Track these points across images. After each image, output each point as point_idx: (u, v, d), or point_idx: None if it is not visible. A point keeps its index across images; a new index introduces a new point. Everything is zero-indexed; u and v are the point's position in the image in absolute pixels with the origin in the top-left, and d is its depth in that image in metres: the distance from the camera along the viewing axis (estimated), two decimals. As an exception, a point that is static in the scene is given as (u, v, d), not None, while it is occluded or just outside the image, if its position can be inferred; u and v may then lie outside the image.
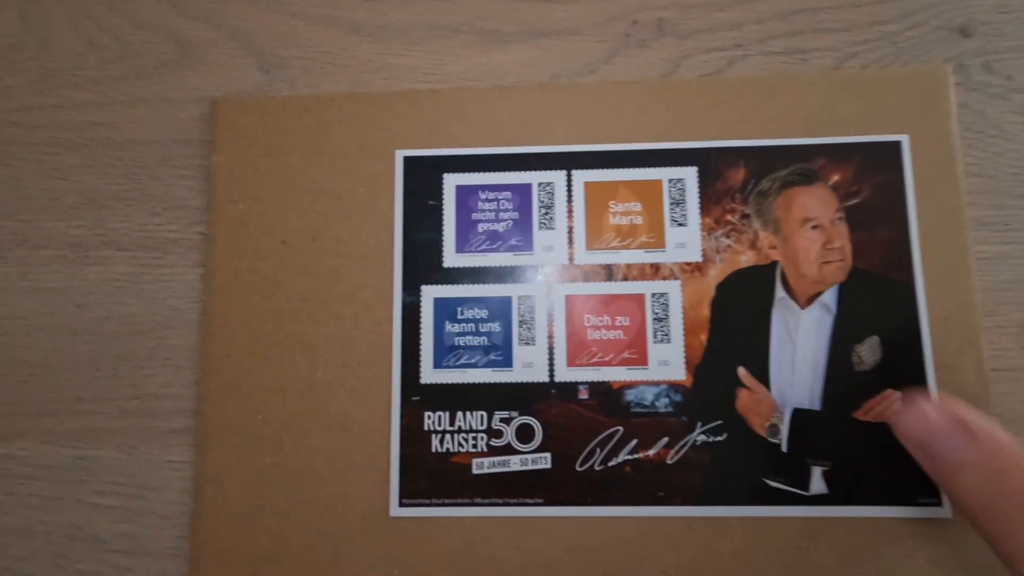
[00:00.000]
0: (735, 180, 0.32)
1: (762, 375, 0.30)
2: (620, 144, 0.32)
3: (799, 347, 0.30)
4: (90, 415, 0.32)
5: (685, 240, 0.32)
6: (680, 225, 0.32)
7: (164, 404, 0.32)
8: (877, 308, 0.30)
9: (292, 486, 0.30)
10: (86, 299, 0.33)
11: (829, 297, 0.30)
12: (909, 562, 0.28)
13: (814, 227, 0.31)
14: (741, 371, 0.30)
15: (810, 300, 0.31)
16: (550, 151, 0.32)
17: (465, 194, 0.32)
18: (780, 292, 0.31)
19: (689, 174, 0.32)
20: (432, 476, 0.29)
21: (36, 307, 0.33)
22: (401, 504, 0.29)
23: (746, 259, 0.31)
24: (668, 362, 0.30)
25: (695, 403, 0.30)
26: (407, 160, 0.32)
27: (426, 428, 0.30)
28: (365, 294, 0.31)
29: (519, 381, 0.30)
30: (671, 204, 0.32)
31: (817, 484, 0.29)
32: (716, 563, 0.29)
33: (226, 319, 0.31)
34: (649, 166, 0.32)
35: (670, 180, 0.32)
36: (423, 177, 0.32)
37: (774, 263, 0.31)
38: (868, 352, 0.30)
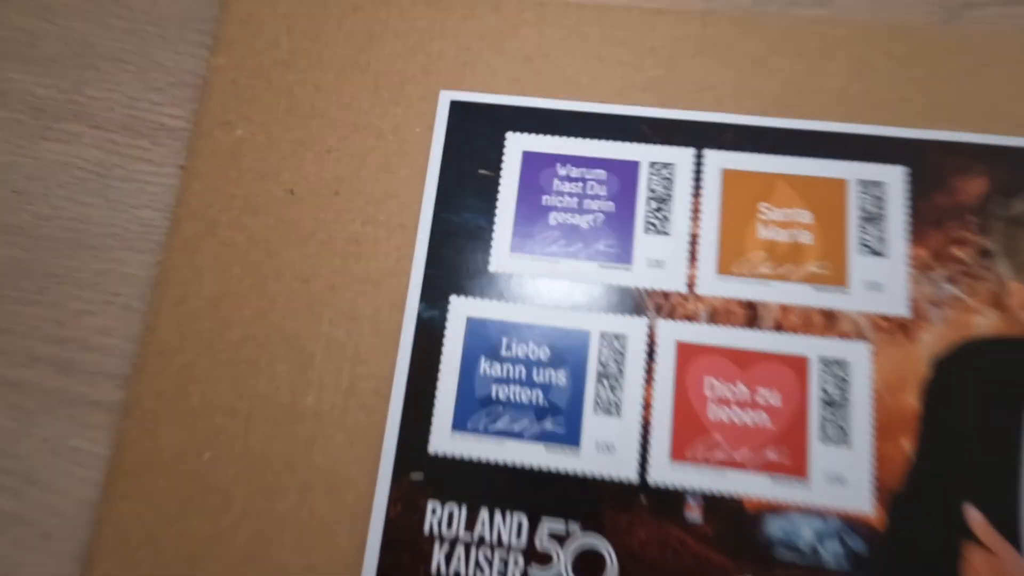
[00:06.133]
0: (967, 193, 0.20)
1: (1009, 522, 0.17)
2: (784, 119, 0.21)
3: (1081, 484, 0.17)
4: None
5: (882, 279, 0.19)
6: (875, 254, 0.20)
7: (93, 359, 0.22)
8: None
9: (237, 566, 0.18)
10: (30, 185, 0.24)
11: None
12: None
13: (1111, 284, 0.18)
14: (972, 514, 0.18)
15: (1102, 405, 0.18)
16: (673, 116, 0.21)
17: (536, 165, 0.21)
18: (1046, 384, 0.18)
19: (892, 176, 0.20)
20: (423, 619, 0.17)
21: (-39, 183, 0.24)
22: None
23: (984, 322, 0.19)
24: (844, 479, 0.18)
25: (891, 560, 0.17)
26: (455, 106, 0.21)
27: (426, 530, 0.18)
28: (396, 285, 0.20)
29: (589, 474, 0.18)
30: (861, 219, 0.20)
31: None
32: None
33: (184, 292, 0.21)
34: (828, 157, 0.20)
35: (860, 182, 0.20)
36: (476, 133, 0.21)
37: (1035, 334, 0.19)
38: None
